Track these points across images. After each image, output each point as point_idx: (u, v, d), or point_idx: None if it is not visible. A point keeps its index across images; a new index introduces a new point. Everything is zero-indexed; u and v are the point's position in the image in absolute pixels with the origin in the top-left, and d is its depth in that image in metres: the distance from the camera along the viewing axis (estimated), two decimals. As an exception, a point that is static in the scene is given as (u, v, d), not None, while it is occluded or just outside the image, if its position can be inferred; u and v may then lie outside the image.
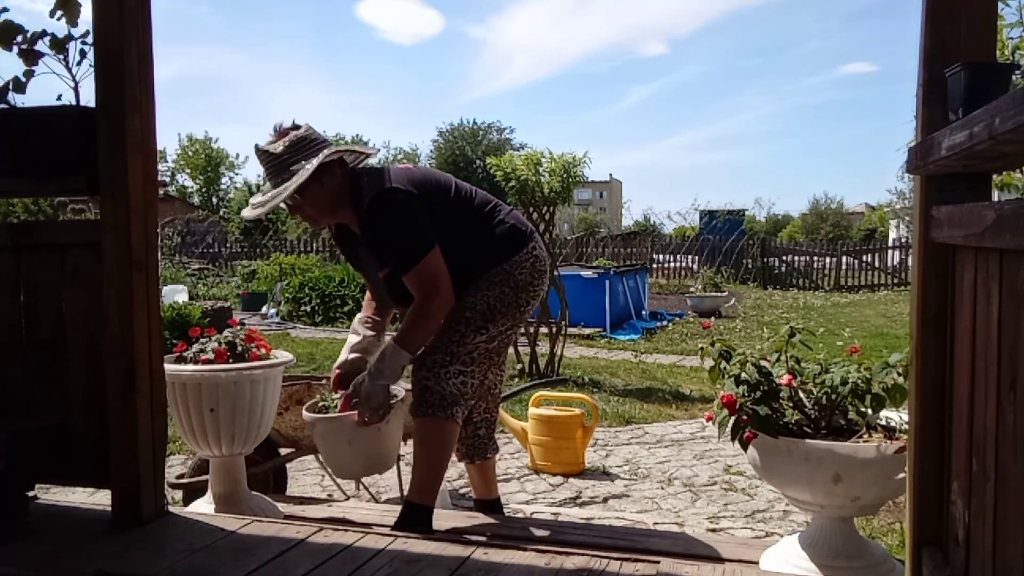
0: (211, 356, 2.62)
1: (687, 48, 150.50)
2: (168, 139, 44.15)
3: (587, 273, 10.83)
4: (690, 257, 20.87)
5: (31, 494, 2.35)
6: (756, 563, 2.13)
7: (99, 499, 2.70)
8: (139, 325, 2.21)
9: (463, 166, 40.09)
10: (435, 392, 2.34)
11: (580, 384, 6.48)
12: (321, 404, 2.57)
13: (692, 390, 6.44)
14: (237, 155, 46.65)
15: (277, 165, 2.29)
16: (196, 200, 41.10)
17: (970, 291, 1.37)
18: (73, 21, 2.28)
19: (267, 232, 22.84)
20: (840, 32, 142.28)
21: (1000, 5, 1.90)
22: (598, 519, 3.30)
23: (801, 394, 2.13)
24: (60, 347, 2.33)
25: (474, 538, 2.25)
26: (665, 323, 11.68)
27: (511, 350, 6.86)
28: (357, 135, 44.47)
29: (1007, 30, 2.89)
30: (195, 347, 2.68)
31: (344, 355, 2.52)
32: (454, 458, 2.76)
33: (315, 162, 2.25)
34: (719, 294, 13.84)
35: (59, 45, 2.26)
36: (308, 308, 11.06)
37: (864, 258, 20.16)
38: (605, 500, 3.65)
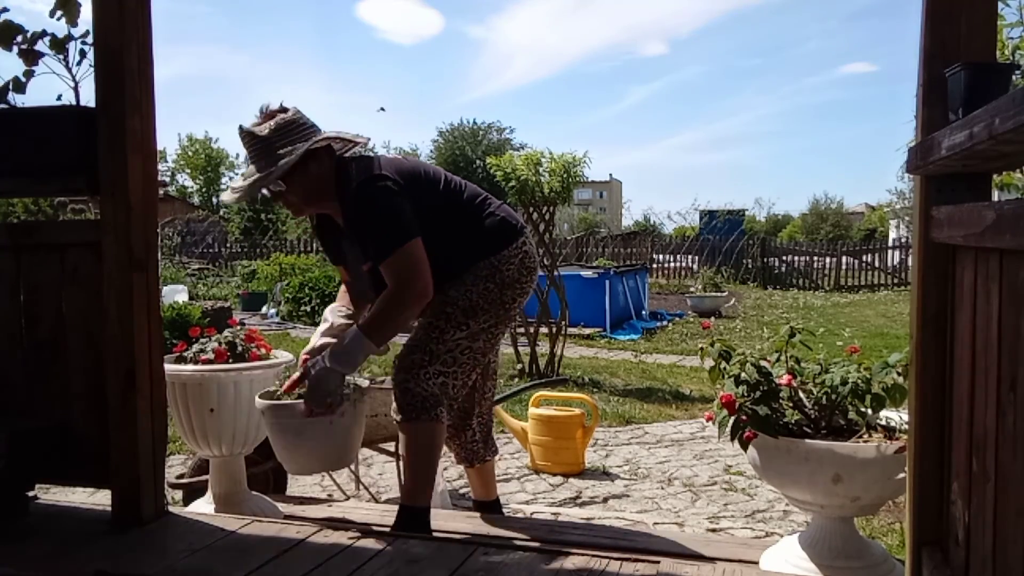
0: (211, 356, 2.62)
1: (687, 48, 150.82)
2: (168, 139, 44.24)
3: (587, 273, 10.83)
4: (690, 257, 20.86)
5: (31, 494, 2.35)
6: (756, 563, 2.12)
7: (99, 499, 2.70)
8: (139, 325, 2.21)
9: (463, 166, 40.08)
10: (416, 394, 2.24)
11: (580, 384, 6.48)
12: (276, 392, 2.42)
13: (692, 390, 6.44)
14: (237, 155, 46.47)
15: (262, 148, 2.19)
16: (196, 200, 41.08)
17: (970, 291, 1.37)
18: (73, 21, 2.28)
19: (267, 232, 22.85)
20: (840, 32, 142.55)
21: (1000, 5, 1.89)
22: (598, 519, 3.29)
23: (801, 394, 2.13)
24: (60, 347, 2.32)
25: (474, 538, 2.25)
26: (665, 323, 11.68)
27: (511, 350, 6.87)
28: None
29: (1007, 30, 2.89)
30: (195, 347, 2.68)
31: (315, 340, 2.38)
32: (454, 459, 2.76)
33: (303, 147, 2.17)
34: (719, 294, 13.84)
35: (59, 45, 2.26)
36: (308, 308, 11.05)
37: (864, 258, 20.15)
38: (605, 500, 3.65)
